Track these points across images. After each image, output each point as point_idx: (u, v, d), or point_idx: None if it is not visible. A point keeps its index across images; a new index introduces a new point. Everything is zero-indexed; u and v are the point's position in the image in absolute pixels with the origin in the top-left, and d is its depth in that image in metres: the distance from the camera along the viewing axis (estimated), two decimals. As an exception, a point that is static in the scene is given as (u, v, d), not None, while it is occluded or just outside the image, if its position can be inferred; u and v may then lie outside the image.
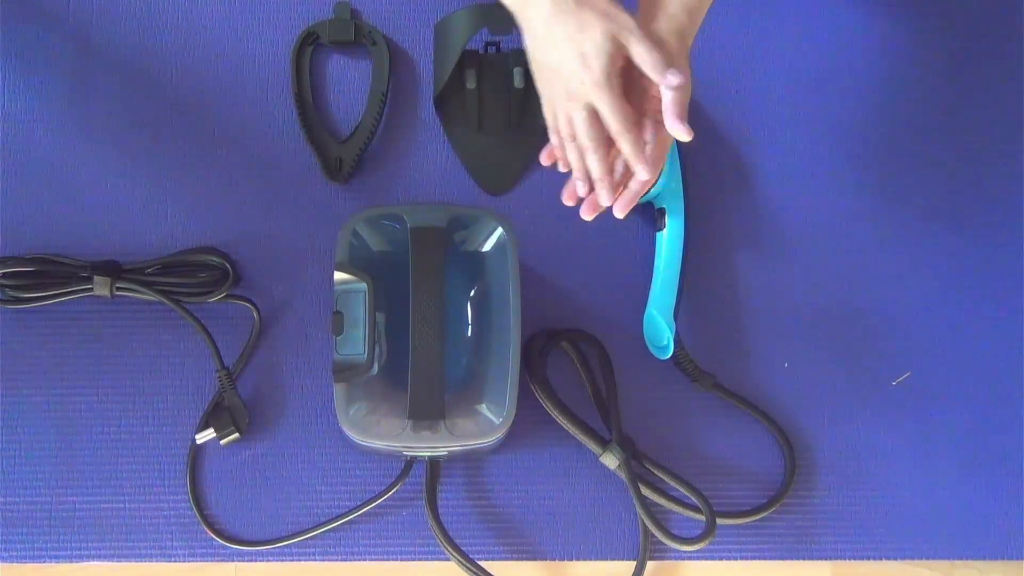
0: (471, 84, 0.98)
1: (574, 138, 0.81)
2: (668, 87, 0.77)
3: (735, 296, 0.98)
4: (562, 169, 0.85)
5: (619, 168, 0.84)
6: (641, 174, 0.80)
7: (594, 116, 0.79)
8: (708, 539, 0.89)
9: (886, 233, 1.00)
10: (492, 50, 0.99)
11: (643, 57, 0.77)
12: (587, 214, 0.84)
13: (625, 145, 0.79)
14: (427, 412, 0.83)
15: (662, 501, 0.94)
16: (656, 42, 0.78)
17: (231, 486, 0.94)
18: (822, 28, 1.02)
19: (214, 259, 0.94)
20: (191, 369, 0.95)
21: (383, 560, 0.94)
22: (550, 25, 0.78)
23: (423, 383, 0.83)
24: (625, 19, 0.77)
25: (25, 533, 0.92)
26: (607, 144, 0.81)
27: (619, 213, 0.83)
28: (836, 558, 0.96)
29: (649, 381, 0.97)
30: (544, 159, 0.86)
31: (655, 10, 0.80)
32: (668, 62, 0.77)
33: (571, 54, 0.77)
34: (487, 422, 0.86)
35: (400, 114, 1.00)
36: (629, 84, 0.80)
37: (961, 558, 0.96)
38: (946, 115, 1.02)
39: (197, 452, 0.94)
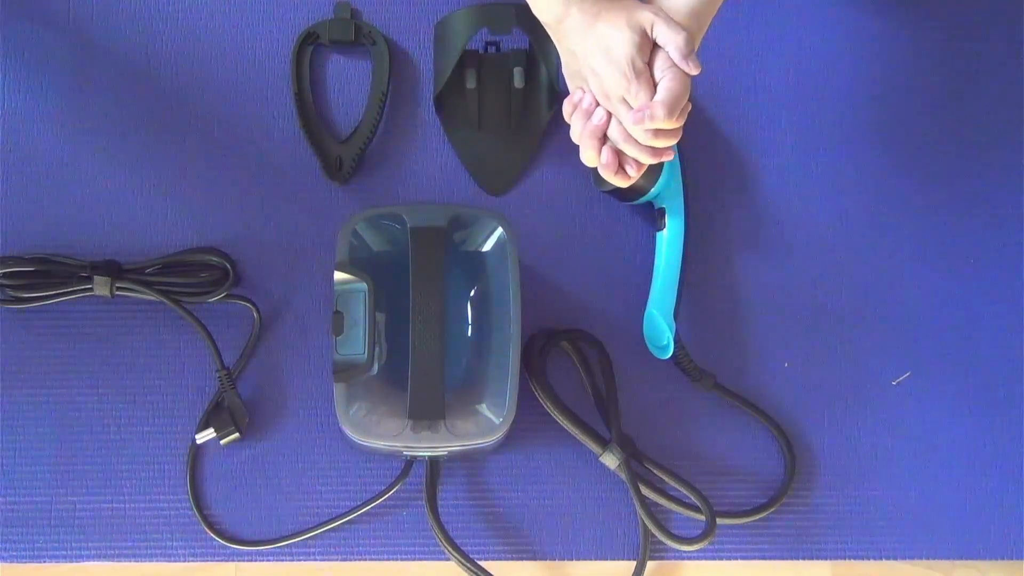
0: (471, 84, 0.98)
1: (602, 133, 0.84)
2: (688, 74, 0.80)
3: (735, 296, 0.98)
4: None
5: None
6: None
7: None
8: (708, 539, 0.89)
9: (886, 233, 1.00)
10: (492, 50, 0.99)
11: (667, 37, 0.79)
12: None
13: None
14: (427, 412, 0.83)
15: (662, 501, 0.94)
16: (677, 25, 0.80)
17: (231, 486, 0.94)
18: (822, 28, 1.02)
19: (214, 259, 0.94)
20: (191, 369, 0.95)
21: (383, 560, 0.94)
22: (585, 35, 0.81)
23: (423, 383, 0.83)
24: (646, 11, 0.80)
25: (25, 533, 0.92)
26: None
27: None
28: (836, 558, 0.96)
29: (649, 381, 0.97)
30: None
31: None
32: (691, 46, 0.79)
33: (602, 56, 0.81)
34: (487, 422, 0.86)
35: (400, 114, 0.99)
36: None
37: (961, 558, 0.96)
38: (946, 115, 1.02)
39: (197, 452, 0.94)
